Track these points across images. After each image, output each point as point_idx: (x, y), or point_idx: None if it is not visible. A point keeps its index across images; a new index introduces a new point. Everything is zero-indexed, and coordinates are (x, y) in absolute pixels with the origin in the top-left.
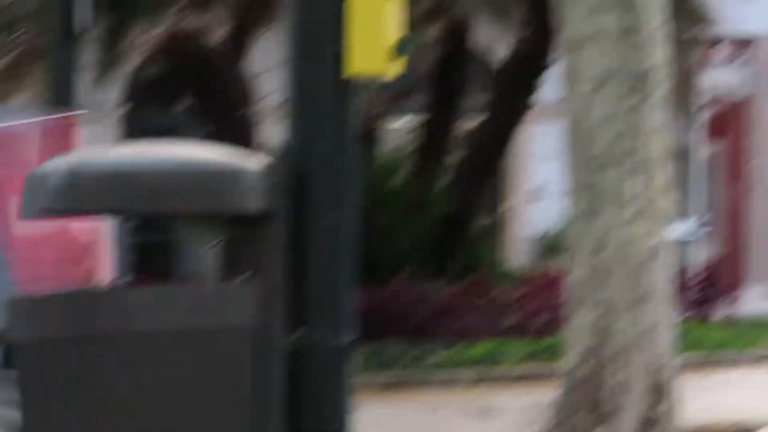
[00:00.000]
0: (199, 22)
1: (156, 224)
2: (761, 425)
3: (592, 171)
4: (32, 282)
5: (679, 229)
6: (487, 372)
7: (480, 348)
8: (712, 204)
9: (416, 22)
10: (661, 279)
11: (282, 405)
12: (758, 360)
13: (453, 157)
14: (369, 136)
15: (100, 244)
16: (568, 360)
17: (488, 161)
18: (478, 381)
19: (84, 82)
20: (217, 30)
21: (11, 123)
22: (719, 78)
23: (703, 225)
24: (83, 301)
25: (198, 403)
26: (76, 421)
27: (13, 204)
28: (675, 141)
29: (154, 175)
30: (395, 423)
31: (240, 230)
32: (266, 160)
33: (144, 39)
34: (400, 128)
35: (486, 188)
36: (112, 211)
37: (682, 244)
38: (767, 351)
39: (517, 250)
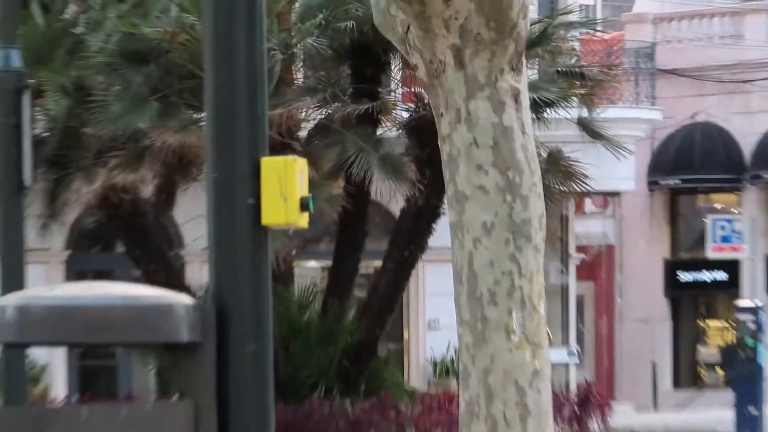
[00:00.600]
0: (131, 178)
1: (100, 351)
2: None
3: (479, 306)
4: None
5: (558, 354)
6: None
7: None
8: (585, 333)
9: (324, 177)
10: (544, 397)
11: None
12: None
13: (359, 293)
14: (285, 276)
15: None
16: None
17: (389, 297)
18: None
19: (31, 230)
20: (148, 184)
21: None
22: (589, 226)
23: (577, 351)
24: (39, 418)
25: None
26: None
27: None
28: (553, 280)
29: (96, 310)
30: None
31: (172, 357)
32: (193, 298)
33: (82, 193)
34: (314, 268)
35: (388, 320)
36: (59, 342)
37: (561, 367)
38: None
39: (417, 372)
